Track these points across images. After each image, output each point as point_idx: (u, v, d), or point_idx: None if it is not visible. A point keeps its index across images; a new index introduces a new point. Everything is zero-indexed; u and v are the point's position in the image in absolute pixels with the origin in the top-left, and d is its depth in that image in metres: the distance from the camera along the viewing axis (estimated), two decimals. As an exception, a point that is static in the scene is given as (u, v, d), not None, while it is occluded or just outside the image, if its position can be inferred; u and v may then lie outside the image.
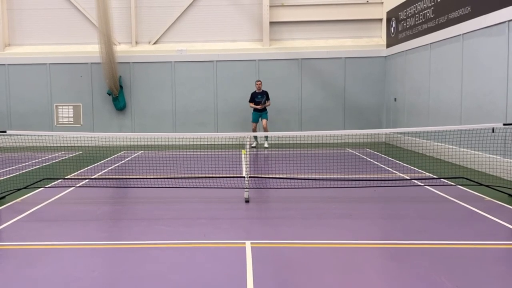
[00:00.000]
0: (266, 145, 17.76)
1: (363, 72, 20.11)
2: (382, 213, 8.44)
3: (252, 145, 17.94)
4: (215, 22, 20.72)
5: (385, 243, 6.72)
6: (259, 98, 17.92)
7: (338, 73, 20.19)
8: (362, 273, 5.50)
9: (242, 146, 15.83)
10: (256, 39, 20.71)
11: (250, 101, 18.13)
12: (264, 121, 17.86)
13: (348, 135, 19.04)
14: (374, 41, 20.43)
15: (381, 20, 20.44)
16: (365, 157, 15.05)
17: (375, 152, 16.16)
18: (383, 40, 20.16)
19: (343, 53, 20.12)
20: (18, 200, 9.35)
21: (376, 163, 13.82)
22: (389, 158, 14.71)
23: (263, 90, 18.08)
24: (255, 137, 18.07)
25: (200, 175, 10.92)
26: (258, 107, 17.88)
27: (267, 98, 18.03)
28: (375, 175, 11.63)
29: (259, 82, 18.06)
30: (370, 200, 9.24)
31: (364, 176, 11.36)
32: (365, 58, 20.09)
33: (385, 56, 19.79)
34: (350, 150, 16.80)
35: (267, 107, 18.12)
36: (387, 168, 12.87)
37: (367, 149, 16.98)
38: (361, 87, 20.14)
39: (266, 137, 17.73)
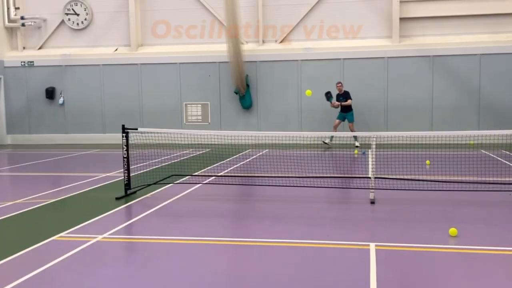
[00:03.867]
0: (357, 144, 18.19)
1: (501, 69, 18.84)
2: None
3: (325, 141, 18.69)
4: (342, 19, 20.34)
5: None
6: (341, 99, 18.53)
7: (472, 71, 19.11)
8: (495, 281, 5.04)
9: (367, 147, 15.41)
10: (385, 36, 20.09)
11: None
12: (349, 124, 18.66)
13: (483, 136, 17.89)
14: (514, 36, 19.08)
15: (521, 13, 19.04)
16: (501, 160, 14.06)
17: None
18: (524, 34, 18.76)
19: (478, 50, 19.00)
20: (148, 195, 9.72)
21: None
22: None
23: (344, 91, 18.61)
24: (355, 137, 18.29)
25: (324, 175, 10.72)
26: (335, 103, 18.46)
27: (348, 98, 18.49)
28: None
29: (340, 84, 18.67)
30: (507, 204, 8.56)
31: (498, 179, 10.56)
32: (504, 55, 18.80)
33: (527, 52, 18.39)
34: (484, 152, 15.77)
35: (351, 109, 18.64)
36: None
37: (503, 151, 15.86)
38: (498, 86, 18.88)
39: (356, 137, 18.09)
